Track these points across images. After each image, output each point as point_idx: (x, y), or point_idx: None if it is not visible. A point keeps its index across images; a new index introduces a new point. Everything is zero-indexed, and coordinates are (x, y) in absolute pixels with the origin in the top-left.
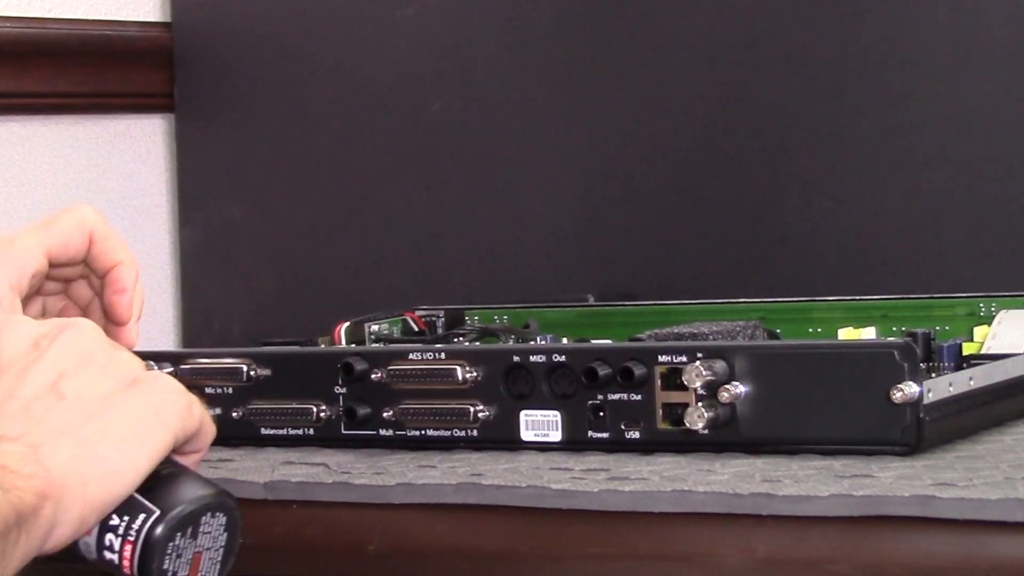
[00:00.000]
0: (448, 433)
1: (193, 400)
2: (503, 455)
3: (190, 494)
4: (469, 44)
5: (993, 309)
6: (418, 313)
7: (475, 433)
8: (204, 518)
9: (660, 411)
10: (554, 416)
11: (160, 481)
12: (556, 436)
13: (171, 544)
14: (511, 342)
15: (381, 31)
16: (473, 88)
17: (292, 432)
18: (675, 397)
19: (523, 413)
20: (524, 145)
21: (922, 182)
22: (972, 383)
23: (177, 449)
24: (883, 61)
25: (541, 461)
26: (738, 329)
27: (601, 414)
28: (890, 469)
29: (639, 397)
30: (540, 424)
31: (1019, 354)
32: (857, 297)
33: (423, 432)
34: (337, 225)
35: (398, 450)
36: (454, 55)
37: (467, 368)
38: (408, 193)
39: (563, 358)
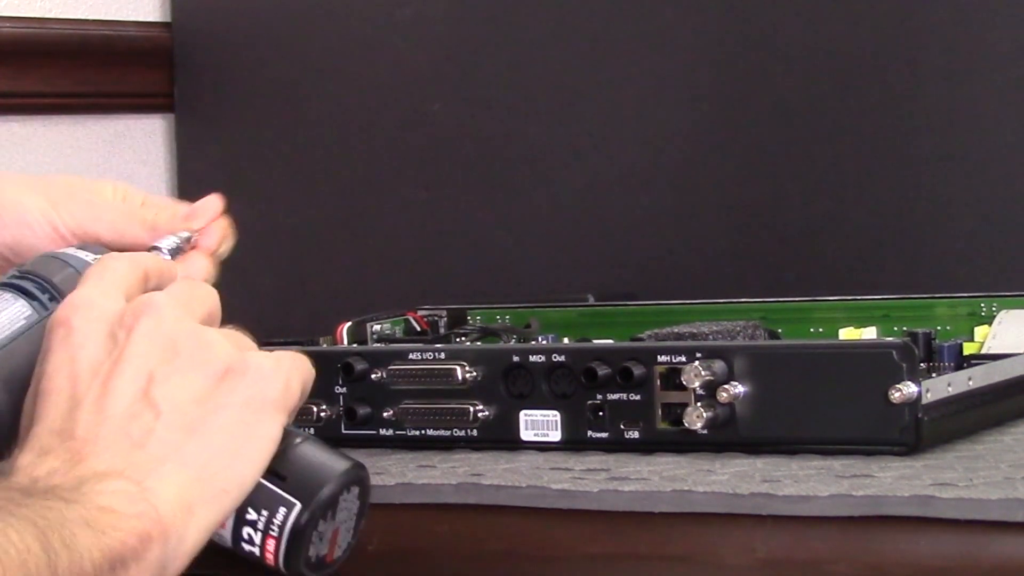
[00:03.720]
0: (448, 433)
1: (291, 372)
2: (503, 455)
3: (326, 476)
4: (469, 44)
5: (994, 309)
6: (420, 313)
7: (475, 433)
8: (342, 496)
9: (659, 411)
10: (554, 416)
11: (288, 461)
12: (556, 436)
13: (315, 532)
14: (511, 342)
15: (381, 31)
16: (473, 88)
17: None
18: (674, 397)
19: (523, 413)
20: (524, 145)
21: (922, 182)
22: (971, 383)
23: None
24: (883, 61)
25: (541, 461)
26: (738, 329)
27: (601, 414)
28: (890, 469)
29: (638, 397)
30: (540, 424)
31: (1019, 354)
32: (858, 297)
33: (423, 432)
34: (338, 225)
35: (398, 450)
36: (454, 55)
37: (467, 368)
38: (408, 193)
39: (562, 358)
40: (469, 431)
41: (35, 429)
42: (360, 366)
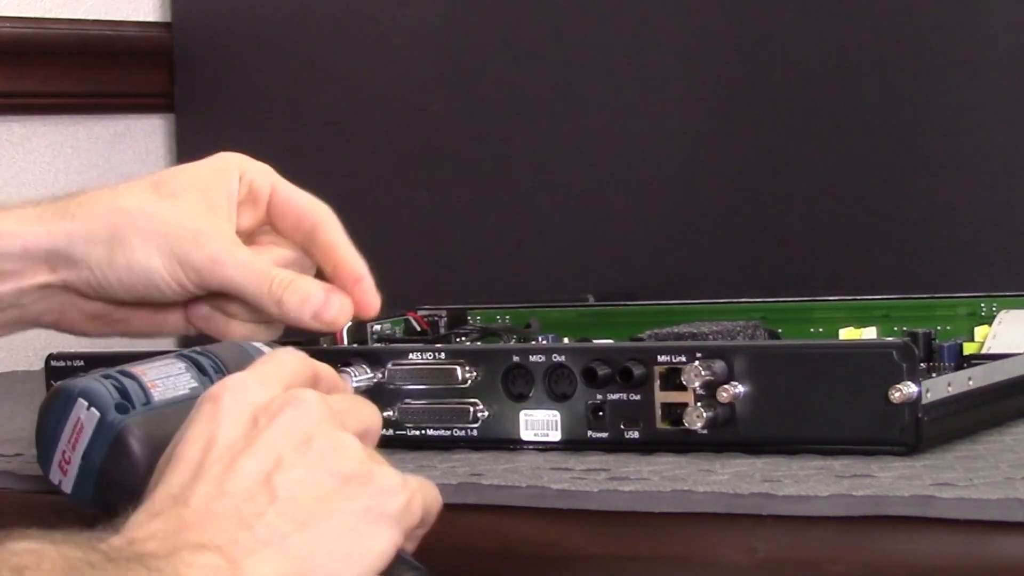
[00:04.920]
0: (448, 433)
1: (414, 495)
2: (503, 455)
3: None
4: (469, 44)
5: (994, 309)
6: (420, 313)
7: (475, 433)
8: None
9: (659, 411)
10: (554, 416)
11: None
12: (556, 436)
13: None
14: (512, 342)
15: (381, 31)
16: (473, 88)
17: None
18: (674, 397)
19: (523, 413)
20: (524, 145)
21: (922, 182)
22: (971, 383)
23: None
24: (884, 61)
25: (541, 461)
26: (739, 329)
27: (601, 414)
28: (890, 469)
29: (638, 397)
30: (540, 424)
31: (1019, 354)
32: (858, 297)
33: (423, 432)
34: None
35: (398, 450)
36: (454, 55)
37: (467, 368)
38: (408, 193)
39: (562, 358)
40: (469, 431)
41: (156, 490)
42: (360, 365)
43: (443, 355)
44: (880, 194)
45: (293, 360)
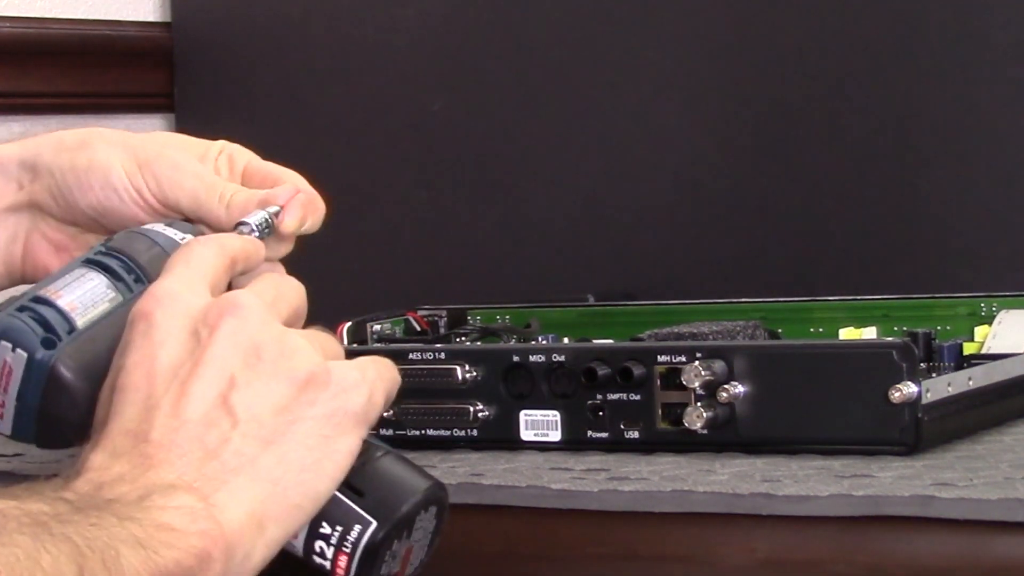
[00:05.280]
0: (448, 433)
1: (375, 383)
2: (503, 455)
3: (404, 494)
4: (469, 44)
5: (994, 309)
6: (420, 313)
7: (475, 433)
8: (419, 516)
9: (659, 411)
10: (554, 416)
11: (366, 476)
12: (556, 436)
13: (389, 552)
14: (512, 342)
15: (381, 31)
16: (473, 88)
17: None
18: (674, 397)
19: (523, 413)
20: (524, 145)
21: (922, 182)
22: (971, 383)
23: None
24: (884, 61)
25: (541, 461)
26: (738, 329)
27: (601, 414)
28: (890, 469)
29: (638, 397)
30: (540, 424)
31: (1019, 354)
32: (858, 297)
33: (423, 432)
34: (337, 225)
35: (398, 450)
36: (454, 55)
37: (467, 368)
38: (408, 193)
39: (562, 358)
40: (469, 431)
41: (109, 426)
42: None
43: (443, 355)
44: (880, 194)
45: (210, 250)
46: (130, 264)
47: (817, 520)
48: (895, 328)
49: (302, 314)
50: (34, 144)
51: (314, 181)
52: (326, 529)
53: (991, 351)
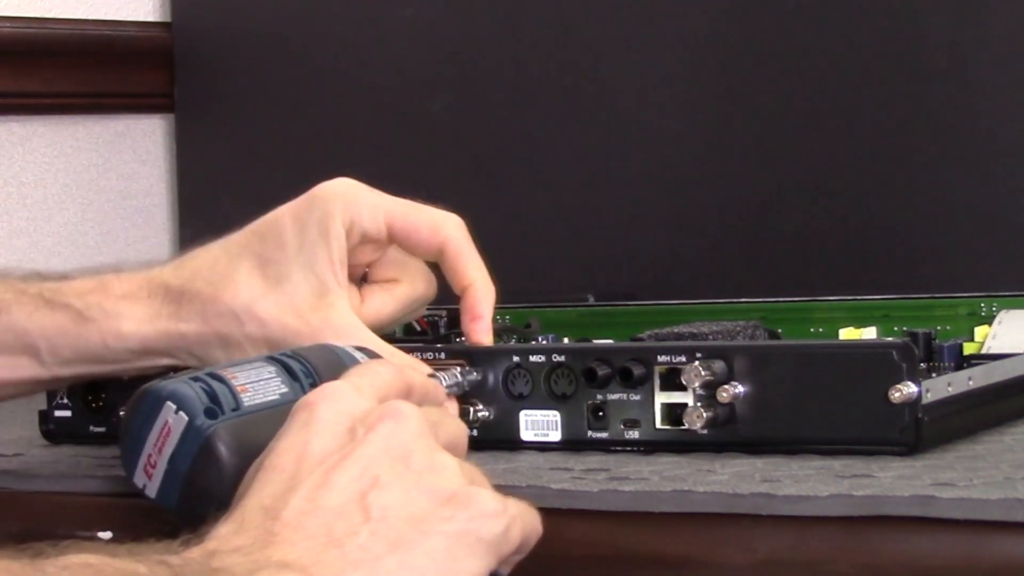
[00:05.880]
0: None
1: (513, 522)
2: (503, 455)
3: None
4: (469, 44)
5: (994, 309)
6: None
7: (475, 433)
8: None
9: (659, 411)
10: (554, 416)
11: None
12: (556, 436)
13: None
14: (512, 342)
15: (381, 31)
16: (473, 88)
17: None
18: (674, 397)
19: (523, 413)
20: (524, 145)
21: (922, 182)
22: (971, 383)
23: None
24: (884, 61)
25: (541, 461)
26: (738, 329)
27: (601, 414)
28: (890, 469)
29: (638, 397)
30: (540, 424)
31: (1019, 354)
32: (858, 297)
33: None
34: None
35: None
36: (454, 55)
37: (467, 368)
38: (408, 193)
39: (562, 358)
40: (469, 431)
41: (245, 501)
42: None
43: (443, 355)
44: (880, 194)
45: (388, 370)
46: (309, 369)
47: (817, 520)
48: (895, 328)
49: (462, 451)
50: (179, 336)
51: (314, 181)
52: None
53: (991, 351)
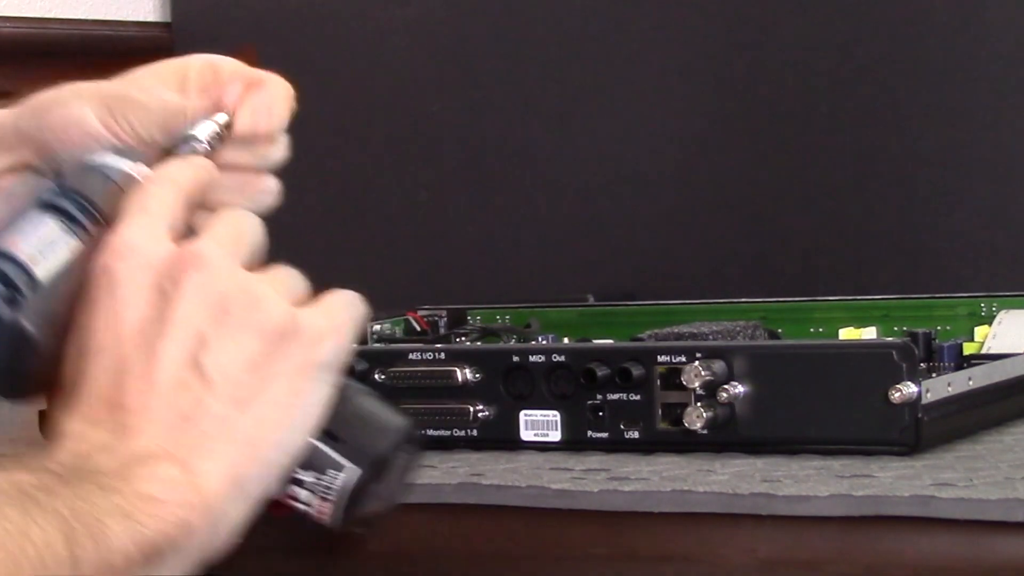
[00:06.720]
0: (448, 433)
1: (343, 326)
2: (503, 455)
3: (379, 435)
4: (469, 44)
5: (994, 309)
6: (420, 313)
7: (475, 433)
8: (394, 455)
9: (659, 411)
10: (554, 416)
11: (339, 420)
12: (556, 436)
13: (367, 494)
14: (512, 342)
15: (381, 31)
16: (473, 88)
17: None
18: (674, 397)
19: (523, 413)
20: (524, 145)
21: (922, 182)
22: (971, 383)
23: None
24: (883, 61)
25: (541, 461)
26: (739, 329)
27: (601, 414)
28: (890, 469)
29: (638, 397)
30: (540, 424)
31: (1019, 354)
32: (858, 297)
33: (423, 432)
34: (337, 225)
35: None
36: (454, 55)
37: (467, 368)
38: (408, 193)
39: (562, 358)
40: (469, 431)
41: (82, 390)
42: (360, 366)
43: (443, 355)
44: (880, 194)
45: (166, 191)
46: (84, 204)
47: (817, 520)
48: (895, 328)
49: (263, 248)
50: (11, 113)
51: (314, 181)
52: (303, 476)
53: (991, 351)
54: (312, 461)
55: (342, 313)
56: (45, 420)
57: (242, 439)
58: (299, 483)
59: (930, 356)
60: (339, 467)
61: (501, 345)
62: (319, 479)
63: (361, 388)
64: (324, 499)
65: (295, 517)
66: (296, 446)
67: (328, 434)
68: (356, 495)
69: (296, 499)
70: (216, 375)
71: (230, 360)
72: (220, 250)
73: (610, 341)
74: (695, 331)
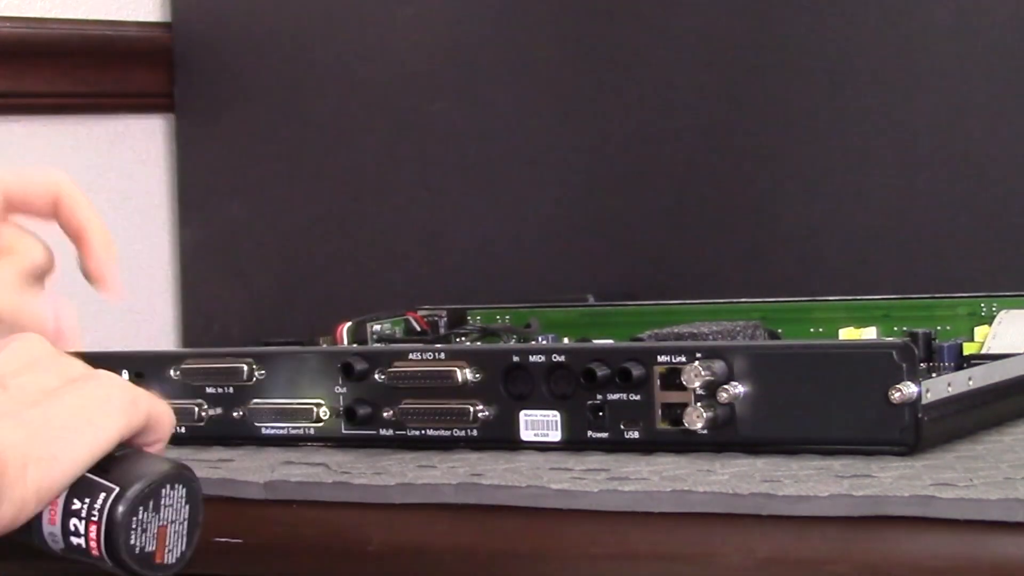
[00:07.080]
0: (448, 433)
1: (139, 395)
2: (503, 455)
3: (147, 469)
4: (469, 44)
5: (994, 309)
6: (420, 313)
7: (475, 433)
8: (164, 490)
9: (659, 411)
10: (554, 416)
11: (116, 461)
12: (556, 436)
13: (135, 519)
14: (512, 342)
15: (381, 31)
16: (473, 88)
17: (292, 432)
18: (674, 397)
19: (523, 413)
20: (523, 145)
21: (922, 182)
22: (971, 383)
23: (131, 441)
24: (883, 60)
25: (541, 461)
26: (739, 329)
27: (601, 414)
28: (890, 469)
29: (638, 397)
30: (540, 424)
31: (1019, 354)
32: (858, 297)
33: (423, 432)
34: (338, 225)
35: (398, 450)
36: (454, 55)
37: (467, 368)
38: (408, 193)
39: (562, 358)
40: (469, 431)
41: None
42: (360, 366)
43: (443, 355)
44: (880, 194)
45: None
46: None
47: (817, 520)
48: (895, 328)
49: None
50: None
51: (314, 181)
52: (77, 504)
53: (991, 351)
54: (85, 490)
55: (144, 391)
56: None
57: (28, 424)
58: (74, 513)
59: (930, 356)
60: (106, 490)
61: (501, 345)
62: (88, 504)
63: (144, 451)
64: (92, 522)
65: (78, 552)
66: (77, 453)
67: (103, 469)
68: (120, 516)
69: (73, 532)
70: (14, 387)
71: (29, 382)
72: (40, 338)
73: (610, 341)
74: (695, 331)
